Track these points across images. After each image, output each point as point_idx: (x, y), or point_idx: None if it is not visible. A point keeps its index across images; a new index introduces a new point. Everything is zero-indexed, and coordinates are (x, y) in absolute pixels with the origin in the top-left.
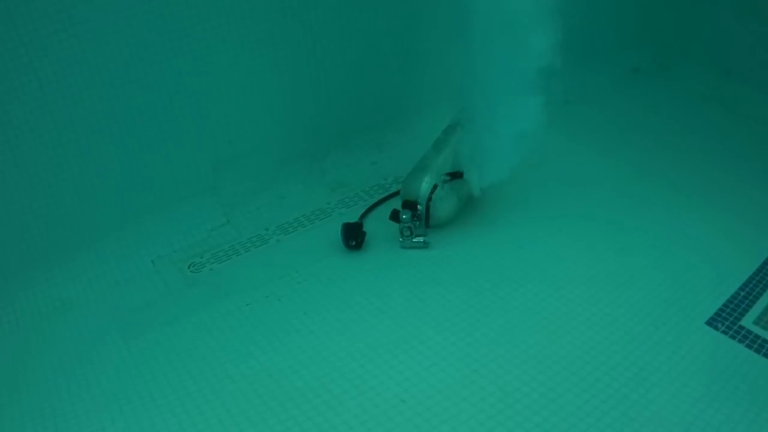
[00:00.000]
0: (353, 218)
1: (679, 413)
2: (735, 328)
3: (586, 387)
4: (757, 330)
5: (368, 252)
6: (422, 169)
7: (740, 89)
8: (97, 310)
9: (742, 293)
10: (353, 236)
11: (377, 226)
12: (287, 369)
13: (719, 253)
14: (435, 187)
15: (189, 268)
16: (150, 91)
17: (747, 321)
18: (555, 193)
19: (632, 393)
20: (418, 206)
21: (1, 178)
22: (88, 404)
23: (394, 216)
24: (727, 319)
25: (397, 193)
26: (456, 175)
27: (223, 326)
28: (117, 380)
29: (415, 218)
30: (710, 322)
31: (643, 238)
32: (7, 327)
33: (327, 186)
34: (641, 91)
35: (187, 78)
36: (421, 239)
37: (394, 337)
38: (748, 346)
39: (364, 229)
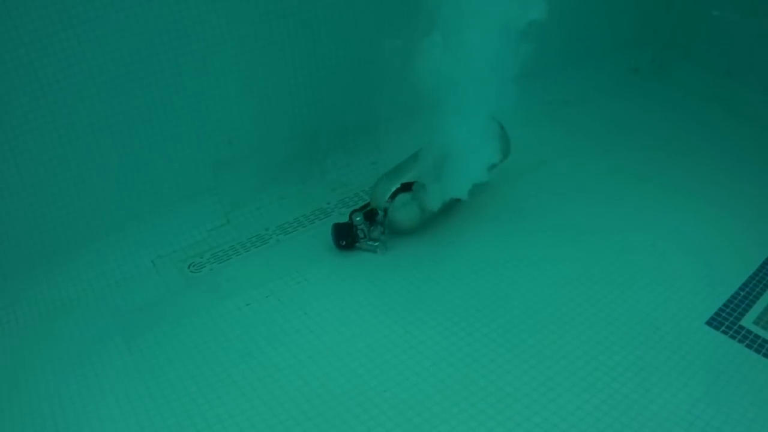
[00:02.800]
0: None
1: (679, 413)
2: (735, 328)
3: (586, 387)
4: (757, 330)
5: (368, 252)
6: (390, 176)
7: (740, 90)
8: (97, 310)
9: (742, 293)
10: (343, 236)
11: None
12: (287, 369)
13: (719, 253)
14: (394, 194)
15: (189, 268)
16: (150, 91)
17: (747, 321)
18: (554, 194)
19: (632, 393)
20: (379, 211)
21: (1, 178)
22: (88, 404)
23: (350, 217)
24: (727, 319)
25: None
26: (409, 187)
27: (223, 326)
28: (117, 380)
29: (376, 222)
30: (710, 322)
31: (643, 238)
32: (7, 327)
33: (327, 186)
34: (640, 92)
35: (187, 78)
36: (374, 243)
37: (394, 337)
38: (748, 346)
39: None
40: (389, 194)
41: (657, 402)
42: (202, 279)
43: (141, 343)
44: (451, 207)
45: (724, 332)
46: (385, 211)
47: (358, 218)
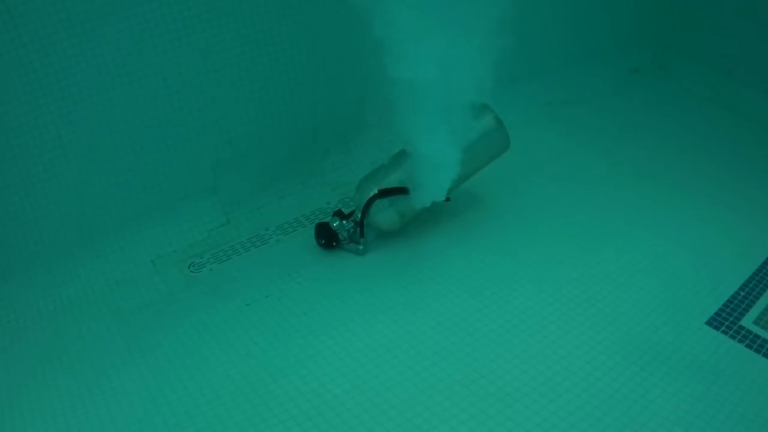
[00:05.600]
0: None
1: (679, 413)
2: (735, 328)
3: (586, 387)
4: (757, 330)
5: (368, 252)
6: (371, 179)
7: (740, 89)
8: (97, 310)
9: (742, 293)
10: (322, 235)
11: None
12: (287, 369)
13: (719, 252)
14: (372, 199)
15: (189, 268)
16: (150, 91)
17: (747, 321)
18: (555, 193)
19: (632, 393)
20: (356, 214)
21: (1, 178)
22: (88, 404)
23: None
24: (727, 319)
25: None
26: (392, 192)
27: (223, 326)
28: (117, 380)
29: (355, 225)
30: (710, 322)
31: (643, 238)
32: (7, 327)
33: (327, 186)
34: (641, 91)
35: (187, 78)
36: (355, 246)
37: (394, 337)
38: (748, 346)
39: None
40: (367, 199)
41: (657, 402)
42: (202, 279)
43: (141, 343)
44: (444, 208)
45: (724, 332)
46: (363, 216)
47: (335, 224)
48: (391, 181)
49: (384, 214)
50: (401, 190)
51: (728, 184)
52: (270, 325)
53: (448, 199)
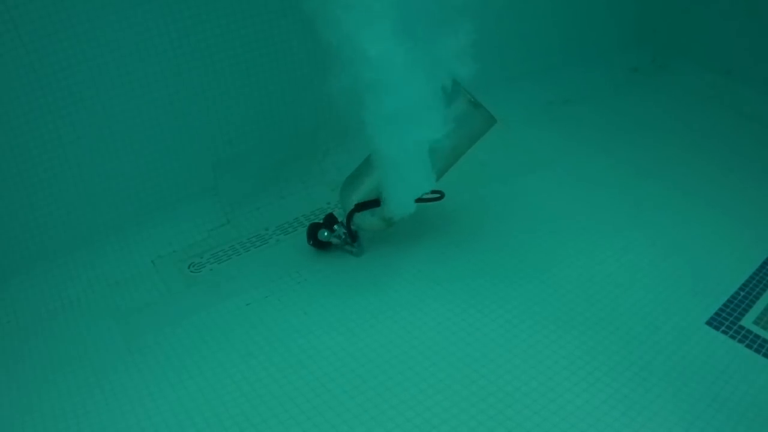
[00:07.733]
0: None
1: (679, 413)
2: (735, 328)
3: (586, 387)
4: (757, 330)
5: (368, 252)
6: (350, 184)
7: (740, 89)
8: (97, 310)
9: (742, 293)
10: (310, 235)
11: None
12: (287, 369)
13: (719, 252)
14: (351, 213)
15: (189, 268)
16: (150, 91)
17: (747, 321)
18: (555, 193)
19: (632, 393)
20: (339, 221)
21: (1, 178)
22: (88, 404)
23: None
24: (727, 319)
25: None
26: (367, 205)
27: (223, 326)
28: (116, 380)
29: (344, 231)
30: (710, 322)
31: (643, 238)
32: (7, 327)
33: (327, 186)
34: (641, 91)
35: (187, 78)
36: (349, 248)
37: (394, 337)
38: (748, 346)
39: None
40: (348, 209)
41: (657, 402)
42: (202, 279)
43: (141, 343)
44: (443, 207)
45: (724, 332)
46: (348, 225)
47: (325, 233)
48: (368, 187)
49: (368, 222)
50: (375, 203)
51: (728, 184)
52: (270, 325)
53: (443, 195)
